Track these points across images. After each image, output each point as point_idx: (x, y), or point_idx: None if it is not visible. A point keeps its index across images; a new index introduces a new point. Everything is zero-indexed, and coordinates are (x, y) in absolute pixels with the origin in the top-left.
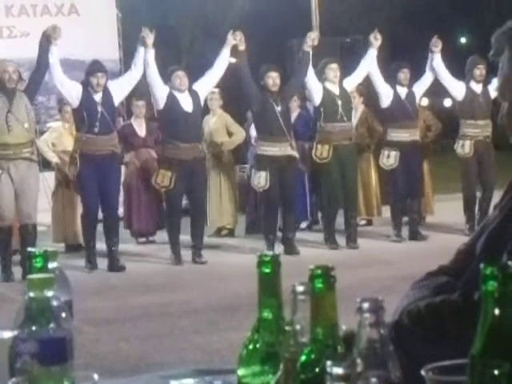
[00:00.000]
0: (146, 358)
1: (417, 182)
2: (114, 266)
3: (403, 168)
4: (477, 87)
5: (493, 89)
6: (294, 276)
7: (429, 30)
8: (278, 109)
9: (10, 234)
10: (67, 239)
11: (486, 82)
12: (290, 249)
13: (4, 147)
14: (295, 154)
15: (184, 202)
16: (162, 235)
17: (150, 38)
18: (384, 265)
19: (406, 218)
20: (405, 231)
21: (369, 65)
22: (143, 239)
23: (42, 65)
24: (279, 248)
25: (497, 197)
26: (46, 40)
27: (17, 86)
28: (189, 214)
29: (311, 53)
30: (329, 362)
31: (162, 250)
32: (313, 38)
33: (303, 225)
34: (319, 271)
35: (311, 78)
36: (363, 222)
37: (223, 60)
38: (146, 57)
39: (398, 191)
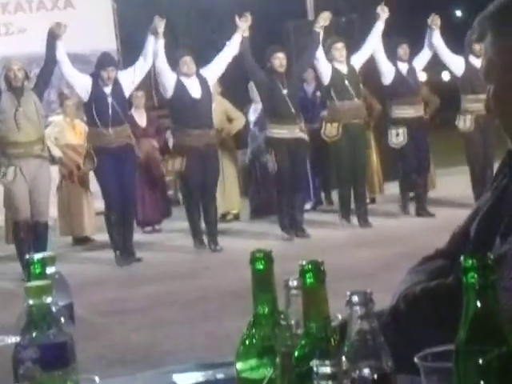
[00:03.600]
0: (156, 347)
1: (424, 157)
2: (132, 258)
3: (411, 144)
4: (476, 61)
5: None
6: (303, 257)
7: (425, 4)
8: (285, 91)
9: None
10: (74, 232)
11: None
12: (299, 231)
13: (14, 145)
14: (305, 136)
15: None
16: (168, 224)
17: (161, 27)
18: (389, 242)
19: (412, 194)
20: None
21: (376, 39)
22: (149, 228)
23: (49, 62)
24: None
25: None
26: (52, 37)
27: (24, 84)
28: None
29: (322, 33)
30: (315, 361)
31: (168, 239)
32: (325, 18)
33: (307, 206)
34: (309, 266)
35: (321, 58)
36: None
37: (234, 45)
38: (156, 47)
39: (407, 167)
